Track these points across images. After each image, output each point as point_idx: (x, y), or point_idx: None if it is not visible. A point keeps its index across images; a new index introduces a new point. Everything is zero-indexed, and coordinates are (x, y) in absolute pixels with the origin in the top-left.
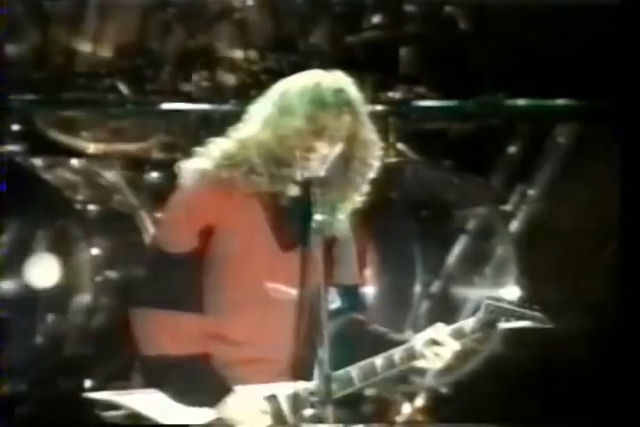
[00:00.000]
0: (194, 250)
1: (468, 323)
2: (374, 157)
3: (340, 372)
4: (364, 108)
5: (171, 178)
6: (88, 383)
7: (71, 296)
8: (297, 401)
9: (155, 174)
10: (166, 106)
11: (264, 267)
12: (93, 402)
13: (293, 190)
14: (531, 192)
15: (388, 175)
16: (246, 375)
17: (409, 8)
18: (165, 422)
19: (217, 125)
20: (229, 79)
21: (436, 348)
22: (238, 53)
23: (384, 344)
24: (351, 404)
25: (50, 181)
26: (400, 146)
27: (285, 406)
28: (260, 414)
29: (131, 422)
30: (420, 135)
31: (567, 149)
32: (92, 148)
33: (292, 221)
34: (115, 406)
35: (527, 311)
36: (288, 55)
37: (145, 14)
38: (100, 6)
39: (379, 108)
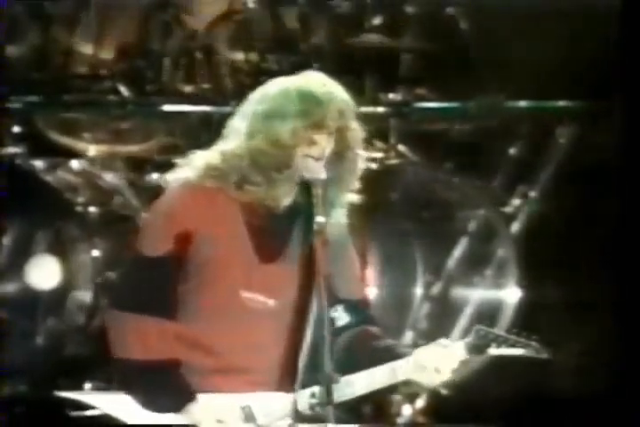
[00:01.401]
0: (169, 255)
1: (456, 346)
2: (362, 146)
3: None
4: (347, 96)
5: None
6: (87, 385)
7: (71, 297)
8: (269, 413)
9: (155, 176)
10: (167, 107)
11: (241, 276)
12: (72, 402)
13: (290, 195)
14: (531, 194)
15: (389, 177)
16: (220, 384)
17: (409, 9)
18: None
19: (218, 127)
20: (230, 80)
21: (433, 364)
22: (239, 55)
23: (392, 359)
24: (351, 405)
25: (51, 182)
26: (401, 147)
27: (259, 418)
28: (225, 422)
29: (104, 423)
30: (420, 137)
31: (568, 150)
32: (92, 149)
33: (275, 232)
34: (87, 407)
35: (521, 339)
36: (289, 56)
37: (145, 15)
38: (100, 7)
39: (380, 109)
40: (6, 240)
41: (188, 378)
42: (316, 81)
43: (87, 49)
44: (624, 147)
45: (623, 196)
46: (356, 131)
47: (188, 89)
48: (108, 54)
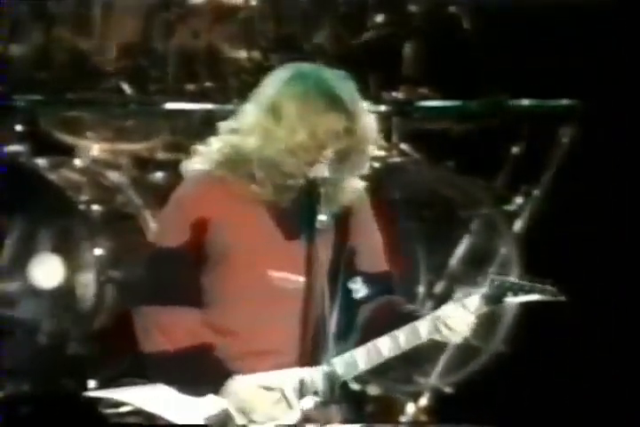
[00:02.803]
0: (186, 244)
1: (472, 300)
2: (372, 143)
3: (345, 355)
4: (358, 97)
5: (175, 178)
6: (91, 383)
7: (75, 296)
8: (303, 388)
9: (159, 174)
10: (170, 106)
11: (267, 258)
12: (95, 401)
13: (296, 193)
14: (534, 192)
15: (391, 175)
16: (253, 368)
17: (412, 8)
18: (169, 418)
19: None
20: (233, 79)
21: (449, 321)
22: (242, 53)
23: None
24: (355, 403)
25: (54, 181)
26: (403, 146)
27: (291, 394)
28: (263, 400)
29: (136, 420)
30: (422, 135)
31: (570, 148)
32: (95, 148)
33: (294, 210)
34: (118, 404)
35: (537, 284)
36: (291, 55)
37: (149, 14)
38: (103, 6)
39: (382, 108)
40: (9, 239)
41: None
42: (325, 88)
43: (91, 47)
44: (625, 146)
45: (624, 194)
46: (364, 135)
47: (190, 88)
48: (111, 53)
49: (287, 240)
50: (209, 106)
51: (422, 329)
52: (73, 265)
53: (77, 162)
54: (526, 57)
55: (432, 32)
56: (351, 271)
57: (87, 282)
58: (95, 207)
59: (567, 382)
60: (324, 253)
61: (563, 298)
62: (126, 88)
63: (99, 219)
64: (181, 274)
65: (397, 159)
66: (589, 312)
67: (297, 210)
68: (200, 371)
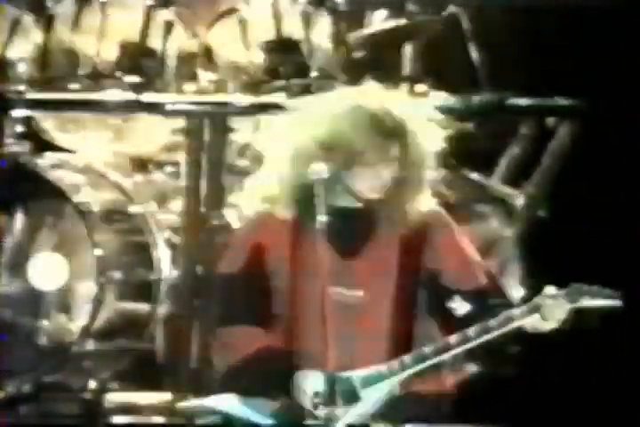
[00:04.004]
0: (248, 268)
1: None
2: (428, 168)
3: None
4: (411, 123)
5: (174, 178)
6: (92, 384)
7: (74, 296)
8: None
9: (159, 174)
10: (170, 107)
11: (327, 275)
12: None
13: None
14: (533, 191)
15: None
16: None
17: (411, 7)
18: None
19: (220, 126)
20: (232, 79)
21: (545, 309)
22: (240, 53)
23: None
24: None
25: (53, 181)
26: None
27: (358, 385)
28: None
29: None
30: None
31: (570, 147)
32: (96, 148)
33: (355, 227)
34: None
35: (606, 290)
36: (290, 55)
37: (148, 13)
38: (102, 5)
39: None
40: (9, 239)
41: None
42: (375, 120)
43: (90, 48)
44: (625, 145)
45: (625, 194)
46: (418, 161)
47: (190, 88)
48: (110, 53)
49: (348, 257)
50: (209, 107)
51: (515, 316)
52: (72, 266)
53: (77, 162)
54: (526, 55)
55: (431, 31)
56: (444, 290)
57: (87, 283)
58: (95, 208)
59: (572, 381)
60: (385, 269)
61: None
62: (126, 88)
63: (98, 219)
64: (247, 296)
65: None
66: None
67: (352, 230)
68: (270, 380)
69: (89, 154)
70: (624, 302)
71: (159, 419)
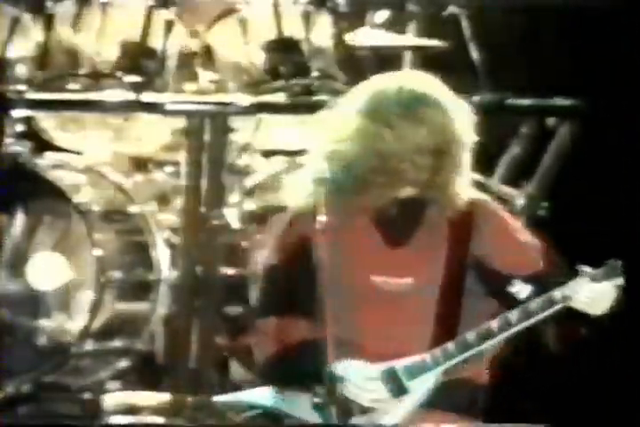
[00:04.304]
0: (289, 259)
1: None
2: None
3: (458, 337)
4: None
5: (174, 178)
6: (91, 384)
7: (74, 296)
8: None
9: (159, 174)
10: (170, 106)
11: (372, 264)
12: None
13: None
14: (533, 191)
15: None
16: None
17: (411, 7)
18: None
19: (221, 126)
20: (233, 79)
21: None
22: (240, 53)
23: None
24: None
25: (53, 181)
26: None
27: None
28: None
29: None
30: None
31: (570, 147)
32: (96, 148)
33: (402, 216)
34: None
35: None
36: (291, 55)
37: (148, 13)
38: (102, 4)
39: None
40: (8, 239)
41: None
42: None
43: (90, 47)
44: (625, 145)
45: (625, 194)
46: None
47: (190, 88)
48: (110, 53)
49: (394, 246)
50: (209, 107)
51: (560, 296)
52: (72, 265)
53: (78, 162)
54: (526, 56)
55: (431, 31)
56: (499, 276)
57: (87, 283)
58: (95, 208)
59: (569, 381)
60: (433, 257)
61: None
62: (126, 88)
63: (99, 219)
64: (289, 289)
65: None
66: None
67: (400, 216)
68: (310, 371)
69: (89, 154)
70: (625, 301)
71: (159, 419)
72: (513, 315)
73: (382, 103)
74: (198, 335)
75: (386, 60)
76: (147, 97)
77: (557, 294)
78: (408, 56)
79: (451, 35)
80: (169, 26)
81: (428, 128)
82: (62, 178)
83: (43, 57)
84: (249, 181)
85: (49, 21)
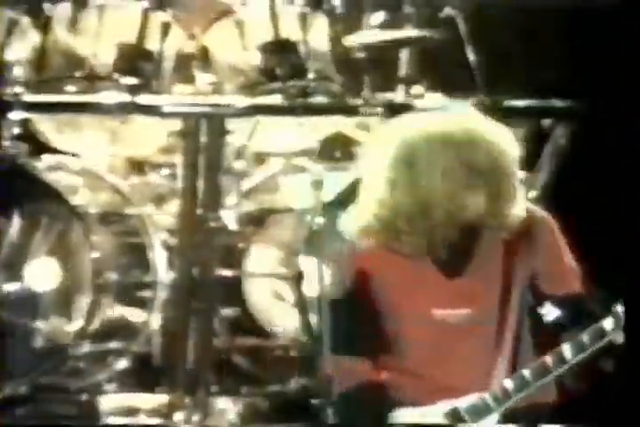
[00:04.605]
0: (351, 295)
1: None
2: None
3: (515, 375)
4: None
5: (171, 180)
6: (88, 386)
7: (71, 298)
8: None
9: (155, 176)
10: (166, 109)
11: (432, 296)
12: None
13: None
14: (529, 193)
15: None
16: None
17: (407, 9)
18: None
19: (217, 128)
20: (229, 81)
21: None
22: (237, 55)
23: None
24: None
25: (50, 183)
26: None
27: (467, 417)
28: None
29: None
30: None
31: (568, 149)
32: (92, 151)
33: (458, 246)
34: None
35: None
36: (288, 57)
37: (145, 15)
38: (99, 7)
39: (378, 109)
40: (6, 241)
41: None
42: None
43: (86, 50)
44: (624, 146)
45: (625, 194)
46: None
47: (187, 90)
48: (107, 55)
49: (452, 276)
50: (205, 109)
51: (606, 325)
52: (69, 268)
53: (74, 164)
54: (523, 57)
55: (427, 32)
56: (539, 296)
57: (84, 285)
58: (92, 210)
59: None
60: (489, 284)
61: None
62: (122, 90)
63: (95, 221)
64: (352, 323)
65: None
66: None
67: (455, 246)
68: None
69: (86, 156)
70: (625, 303)
71: (155, 421)
72: (566, 350)
73: (415, 153)
74: (195, 337)
75: (382, 61)
76: (143, 99)
77: (607, 324)
78: (404, 57)
79: (447, 36)
80: (165, 28)
81: (469, 164)
82: (59, 180)
83: (40, 59)
84: (246, 183)
85: (46, 24)
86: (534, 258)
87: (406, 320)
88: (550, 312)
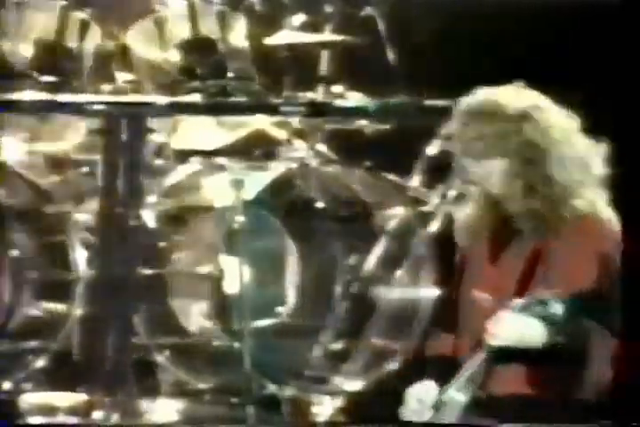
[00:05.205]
0: None
1: None
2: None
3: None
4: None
5: (91, 178)
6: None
7: None
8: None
9: (75, 174)
10: (86, 106)
11: (475, 279)
12: None
13: None
14: (449, 193)
15: (310, 176)
16: None
17: (328, 8)
18: None
19: (138, 126)
20: (149, 79)
21: None
22: (157, 53)
23: None
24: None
25: None
26: (320, 147)
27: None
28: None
29: None
30: (339, 136)
31: None
32: (12, 148)
33: (507, 232)
34: None
35: None
36: (207, 56)
37: (63, 13)
38: (17, 5)
39: (300, 108)
40: None
41: None
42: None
43: (5, 47)
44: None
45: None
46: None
47: (107, 88)
48: (26, 53)
49: (493, 262)
50: (126, 107)
51: None
52: None
53: None
54: (444, 55)
55: (348, 32)
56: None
57: (3, 283)
58: (18, 209)
59: None
60: (512, 273)
61: None
62: (42, 87)
63: (16, 220)
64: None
65: (314, 160)
66: None
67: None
68: None
69: (4, 154)
70: (624, 299)
71: (74, 419)
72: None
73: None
74: (115, 335)
75: (303, 61)
76: (63, 97)
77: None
78: (325, 57)
79: (368, 35)
80: (84, 26)
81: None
82: None
83: None
84: (166, 182)
85: None
86: (550, 255)
87: (462, 306)
88: (552, 309)
